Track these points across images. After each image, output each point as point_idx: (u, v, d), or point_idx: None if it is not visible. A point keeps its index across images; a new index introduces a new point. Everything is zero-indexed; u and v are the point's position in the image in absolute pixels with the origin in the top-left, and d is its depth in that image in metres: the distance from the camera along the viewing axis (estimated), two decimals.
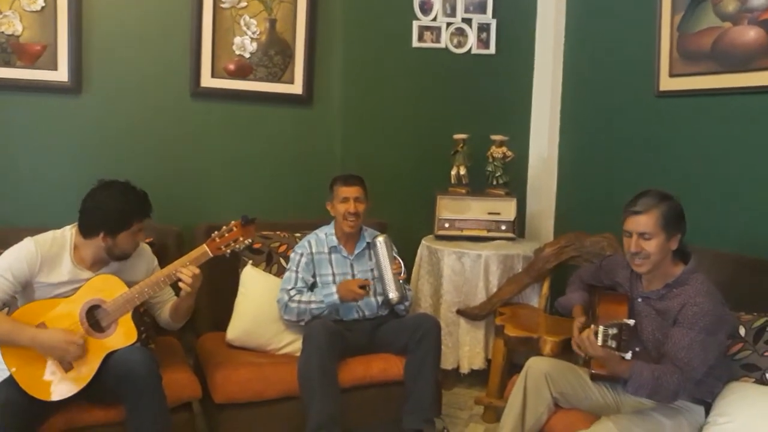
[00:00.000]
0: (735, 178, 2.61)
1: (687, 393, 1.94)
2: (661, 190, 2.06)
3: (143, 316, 2.40)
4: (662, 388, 1.87)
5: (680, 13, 2.76)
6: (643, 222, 2.00)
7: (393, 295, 2.59)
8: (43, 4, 2.69)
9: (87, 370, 2.06)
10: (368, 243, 2.75)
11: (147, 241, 2.46)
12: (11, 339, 2.00)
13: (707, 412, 1.99)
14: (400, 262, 2.67)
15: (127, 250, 2.19)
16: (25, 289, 2.10)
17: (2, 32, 2.65)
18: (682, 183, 2.78)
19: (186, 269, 2.19)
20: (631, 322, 1.92)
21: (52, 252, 2.12)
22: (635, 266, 2.06)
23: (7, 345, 2.00)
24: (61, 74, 2.76)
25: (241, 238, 2.30)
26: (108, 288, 2.14)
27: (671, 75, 2.82)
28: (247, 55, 3.09)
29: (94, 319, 2.11)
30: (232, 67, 3.08)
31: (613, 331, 1.88)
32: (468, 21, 3.49)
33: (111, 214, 2.12)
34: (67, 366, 2.04)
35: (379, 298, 2.70)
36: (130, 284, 2.18)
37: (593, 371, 2.07)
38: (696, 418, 1.98)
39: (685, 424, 1.95)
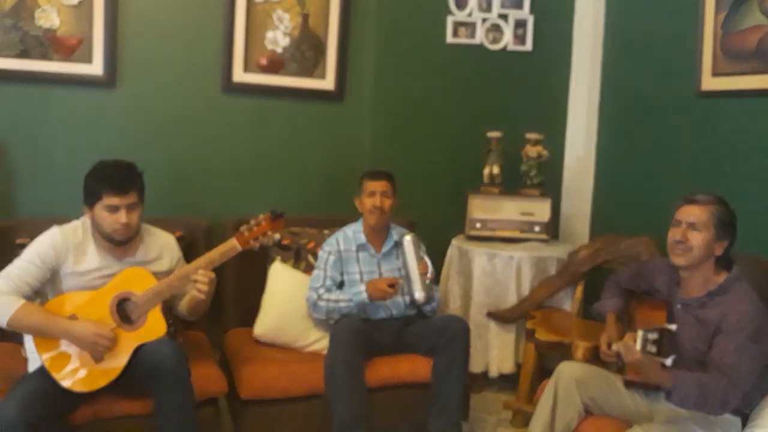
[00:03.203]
0: None
1: (736, 402, 1.87)
2: (721, 196, 2.06)
3: (171, 310, 2.46)
4: (709, 396, 1.82)
5: (724, 11, 2.72)
6: (696, 213, 2.01)
7: (419, 295, 2.60)
8: None
9: (117, 363, 2.12)
10: (396, 242, 2.76)
11: (176, 235, 2.50)
12: (45, 330, 2.06)
13: (744, 424, 1.96)
14: (427, 262, 2.67)
15: (106, 228, 2.14)
16: (54, 279, 2.15)
17: (40, 26, 2.73)
18: (724, 186, 2.71)
19: (202, 275, 2.20)
20: (673, 327, 1.90)
21: (77, 239, 2.18)
22: (674, 255, 2.04)
23: (41, 336, 2.07)
24: (96, 68, 2.84)
25: (269, 232, 2.31)
26: (138, 281, 2.19)
27: (714, 74, 2.78)
28: (280, 50, 3.13)
29: (124, 311, 2.17)
30: (264, 61, 3.12)
31: (653, 336, 1.86)
32: (504, 17, 3.47)
33: (86, 184, 2.16)
34: (98, 358, 2.10)
35: (407, 298, 2.71)
36: (155, 276, 2.23)
37: (627, 378, 2.05)
38: (732, 430, 1.95)
39: None
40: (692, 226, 2.01)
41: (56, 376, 2.04)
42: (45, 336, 2.07)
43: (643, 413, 2.10)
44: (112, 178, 2.14)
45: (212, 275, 2.22)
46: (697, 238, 1.99)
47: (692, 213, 2.02)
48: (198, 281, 2.19)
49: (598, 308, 2.42)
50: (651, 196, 3.14)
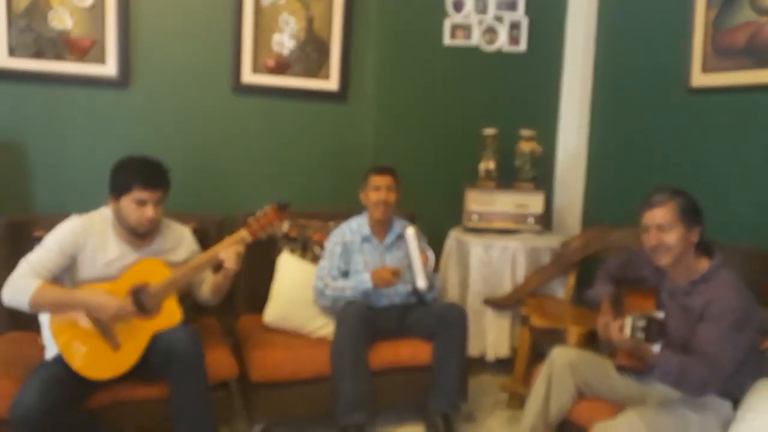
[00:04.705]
0: None
1: (716, 388, 1.85)
2: (675, 186, 1.98)
3: (183, 298, 2.41)
4: (688, 378, 1.80)
5: (715, 9, 2.65)
6: (660, 214, 1.93)
7: (422, 284, 2.57)
8: (92, 1, 2.70)
9: (134, 351, 2.07)
10: (398, 234, 2.72)
11: (190, 227, 2.45)
12: (68, 302, 2.01)
13: (735, 408, 1.91)
14: (428, 253, 2.65)
15: (131, 221, 2.10)
16: (72, 266, 2.09)
17: (53, 27, 2.67)
18: (713, 180, 2.68)
19: (229, 250, 2.18)
20: (661, 315, 1.85)
21: (96, 227, 2.13)
22: (656, 259, 1.98)
23: (62, 310, 2.01)
24: (109, 68, 2.77)
25: (276, 222, 2.29)
26: (153, 271, 2.14)
27: (704, 71, 2.71)
28: (286, 52, 3.07)
29: (140, 301, 2.12)
30: (271, 63, 3.06)
31: (641, 323, 1.82)
32: (499, 18, 3.41)
33: (114, 175, 2.12)
34: (114, 346, 2.05)
35: (409, 287, 2.68)
36: (171, 266, 2.18)
37: (619, 363, 2.00)
38: (723, 413, 1.89)
39: (712, 419, 1.87)
40: (661, 228, 1.93)
41: (74, 364, 1.98)
42: (68, 310, 2.01)
43: (635, 397, 2.06)
44: (144, 173, 2.09)
45: (240, 250, 2.20)
46: (671, 238, 1.92)
47: (656, 216, 1.94)
48: (229, 256, 2.17)
49: (592, 294, 2.37)
50: (640, 189, 3.02)
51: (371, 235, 2.70)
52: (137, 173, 2.09)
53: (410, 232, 2.59)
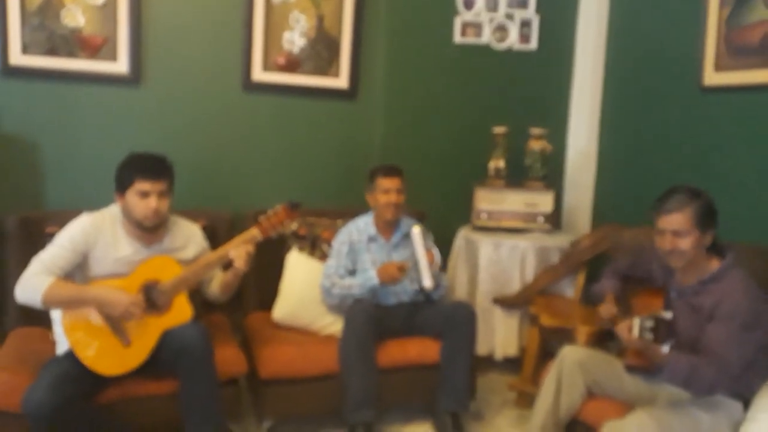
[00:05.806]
0: None
1: (724, 388, 1.84)
2: (693, 187, 1.95)
3: (193, 295, 2.41)
4: (697, 378, 1.79)
5: (728, 7, 2.62)
6: (676, 220, 1.90)
7: (427, 282, 2.56)
8: None
9: (144, 347, 2.08)
10: (405, 233, 2.71)
11: (200, 224, 2.45)
12: (80, 299, 2.02)
13: (745, 409, 1.89)
14: (434, 252, 2.63)
15: (137, 214, 2.10)
16: (83, 264, 2.10)
17: (66, 25, 2.68)
18: (725, 179, 2.65)
19: (240, 249, 2.19)
20: (669, 315, 1.83)
21: (106, 225, 2.14)
22: (670, 262, 1.97)
23: (74, 306, 2.03)
24: (120, 66, 2.78)
25: (287, 221, 2.29)
26: (164, 269, 2.15)
27: (716, 69, 2.68)
28: (296, 50, 3.07)
29: (151, 298, 2.12)
30: (281, 61, 3.06)
31: (649, 323, 1.80)
32: (510, 16, 3.39)
33: (118, 172, 2.13)
34: (125, 342, 2.06)
35: (416, 285, 2.67)
36: (181, 264, 2.18)
37: (628, 362, 1.98)
38: (734, 414, 1.88)
39: (723, 419, 1.85)
40: (677, 234, 1.91)
41: (84, 360, 2.00)
42: (80, 306, 2.03)
43: (644, 396, 2.05)
44: (144, 165, 2.11)
45: (251, 249, 2.21)
46: (686, 243, 1.91)
47: (672, 221, 1.91)
48: (237, 254, 2.18)
49: (596, 290, 2.36)
50: (651, 188, 3.00)
51: (378, 235, 2.70)
52: (138, 166, 2.11)
53: (416, 231, 2.58)
